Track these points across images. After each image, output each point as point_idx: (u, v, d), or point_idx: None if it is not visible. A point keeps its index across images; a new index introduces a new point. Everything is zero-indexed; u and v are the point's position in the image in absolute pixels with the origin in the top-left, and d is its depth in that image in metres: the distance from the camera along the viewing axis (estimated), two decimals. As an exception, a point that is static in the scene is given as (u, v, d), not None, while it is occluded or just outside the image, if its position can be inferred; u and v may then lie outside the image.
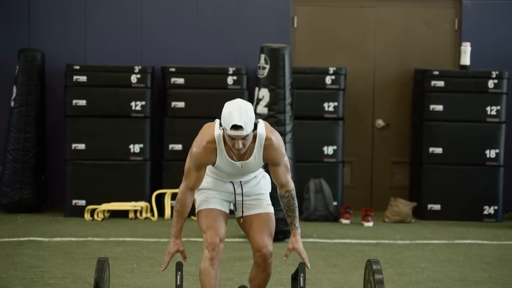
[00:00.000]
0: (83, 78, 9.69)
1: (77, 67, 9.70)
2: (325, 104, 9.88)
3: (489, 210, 9.85)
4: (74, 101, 9.68)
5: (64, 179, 9.76)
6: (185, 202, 4.90)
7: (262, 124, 4.82)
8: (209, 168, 4.97)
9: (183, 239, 5.04)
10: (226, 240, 6.77)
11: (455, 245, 8.41)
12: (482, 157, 9.85)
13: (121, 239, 8.35)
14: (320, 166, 9.89)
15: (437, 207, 9.88)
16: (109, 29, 10.19)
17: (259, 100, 8.41)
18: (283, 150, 4.85)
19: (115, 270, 6.79)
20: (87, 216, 9.48)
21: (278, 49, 8.38)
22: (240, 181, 4.98)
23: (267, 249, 4.92)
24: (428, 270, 7.14)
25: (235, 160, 4.82)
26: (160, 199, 9.78)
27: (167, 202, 9.67)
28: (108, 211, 9.62)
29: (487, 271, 7.14)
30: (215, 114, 9.98)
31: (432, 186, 9.87)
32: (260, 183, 5.04)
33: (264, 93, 8.38)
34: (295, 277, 5.00)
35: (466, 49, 9.98)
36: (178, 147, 9.78)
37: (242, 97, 9.76)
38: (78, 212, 9.59)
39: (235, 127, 4.60)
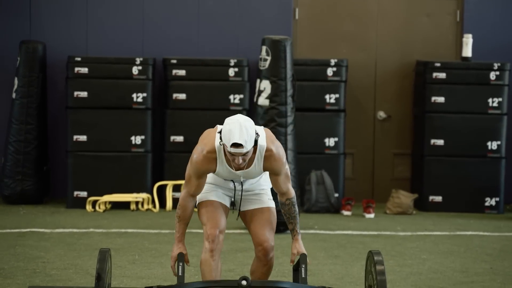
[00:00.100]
0: (84, 70, 9.69)
1: (79, 59, 9.69)
2: (327, 96, 9.88)
3: (490, 201, 9.85)
4: (76, 93, 9.68)
5: (65, 171, 9.77)
6: (186, 208, 4.92)
7: (263, 134, 4.80)
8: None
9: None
10: (227, 231, 6.79)
11: (457, 236, 8.41)
12: (483, 149, 9.85)
13: (123, 230, 8.37)
14: (321, 157, 9.89)
15: (438, 198, 9.88)
16: (111, 21, 10.19)
17: (260, 91, 8.41)
18: (284, 160, 4.84)
19: (117, 261, 6.80)
20: (88, 207, 9.50)
21: (280, 41, 8.37)
22: (241, 180, 4.98)
23: (268, 244, 4.93)
24: (429, 261, 7.14)
25: (235, 170, 4.82)
26: (161, 190, 9.79)
27: (169, 193, 9.68)
28: (110, 202, 9.64)
29: (488, 262, 7.15)
30: (216, 105, 10.04)
31: (434, 178, 9.88)
32: (261, 180, 5.04)
33: (265, 85, 8.37)
34: (296, 268, 5.01)
35: (468, 40, 9.97)
36: (180, 138, 9.79)
37: (243, 89, 9.76)
38: (80, 203, 9.61)
39: (235, 145, 4.60)
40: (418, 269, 6.83)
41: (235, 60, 9.80)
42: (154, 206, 9.69)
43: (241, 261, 6.96)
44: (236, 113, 9.73)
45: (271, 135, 4.86)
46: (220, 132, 4.69)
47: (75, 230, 8.28)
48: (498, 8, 10.34)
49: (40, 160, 9.84)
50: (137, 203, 9.64)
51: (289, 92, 8.38)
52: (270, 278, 5.17)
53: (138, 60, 9.70)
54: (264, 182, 5.06)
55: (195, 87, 9.80)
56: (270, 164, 4.81)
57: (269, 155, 4.78)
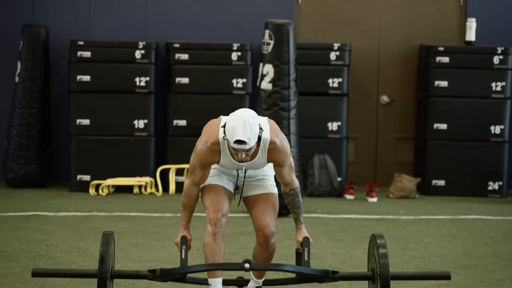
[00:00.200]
0: (87, 54, 9.69)
1: (81, 43, 9.68)
2: (330, 80, 9.87)
3: (493, 185, 9.85)
4: (79, 77, 9.68)
5: (68, 154, 9.78)
6: (190, 197, 4.93)
7: (266, 126, 4.80)
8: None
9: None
10: (230, 215, 6.79)
11: (459, 220, 8.42)
12: (486, 133, 9.84)
13: (126, 214, 8.38)
14: (324, 142, 9.89)
15: (441, 182, 9.88)
16: (114, 4, 10.17)
17: (263, 76, 8.40)
18: (288, 151, 4.83)
19: (120, 244, 6.82)
20: (92, 191, 9.51)
21: (283, 25, 8.36)
22: (244, 168, 4.99)
23: (268, 229, 4.93)
24: (432, 245, 7.15)
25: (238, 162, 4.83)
26: (164, 174, 9.80)
27: (172, 177, 9.69)
28: (113, 186, 9.65)
29: (491, 246, 7.16)
30: (219, 89, 10.03)
31: (437, 162, 9.88)
32: (264, 167, 5.04)
33: (268, 69, 8.36)
34: (299, 252, 5.01)
35: (472, 25, 9.95)
36: (182, 122, 9.79)
37: (246, 73, 9.75)
38: (83, 187, 9.62)
39: (239, 142, 4.60)
40: (421, 252, 6.84)
41: (238, 44, 9.79)
42: (157, 190, 9.70)
43: (243, 245, 6.98)
44: (239, 97, 9.78)
45: (276, 127, 4.85)
46: (224, 127, 4.69)
47: (78, 214, 8.30)
48: (502, -8, 10.32)
49: (43, 144, 9.85)
50: (140, 186, 9.66)
51: (292, 76, 8.37)
52: (273, 262, 5.18)
53: (141, 44, 9.69)
54: (267, 168, 5.06)
55: (198, 71, 9.79)
56: (274, 156, 4.82)
57: (273, 148, 4.79)
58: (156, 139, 9.83)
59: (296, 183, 4.94)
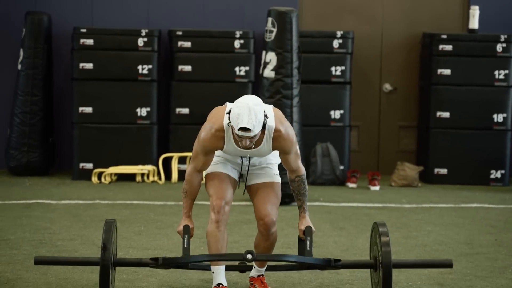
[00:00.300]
0: (90, 41, 9.67)
1: (84, 30, 9.67)
2: (332, 68, 9.86)
3: (496, 174, 9.85)
4: (81, 64, 9.68)
5: (71, 142, 9.78)
6: (192, 183, 4.92)
7: (271, 114, 4.78)
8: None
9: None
10: (233, 203, 6.80)
11: (462, 208, 8.42)
12: (489, 121, 9.83)
13: (129, 202, 8.39)
14: (327, 130, 9.89)
15: (444, 171, 9.88)
16: (116, -8, 10.16)
17: (266, 63, 8.39)
18: (294, 139, 4.82)
19: (123, 232, 6.83)
20: (94, 179, 9.52)
21: (286, 13, 8.34)
22: (248, 156, 4.98)
23: (269, 218, 4.93)
24: (434, 233, 7.16)
25: (242, 149, 4.82)
26: (167, 162, 9.81)
27: (174, 165, 9.69)
28: (115, 174, 9.66)
29: (493, 234, 7.16)
30: (222, 77, 10.03)
31: (439, 150, 9.88)
32: (269, 155, 5.04)
33: (271, 57, 8.35)
34: (302, 240, 5.02)
35: (475, 12, 9.92)
36: (185, 110, 9.78)
37: (249, 61, 9.74)
38: (86, 175, 9.63)
39: (243, 129, 4.59)
40: (423, 241, 6.84)
41: (241, 32, 9.77)
42: (160, 178, 9.71)
43: (246, 233, 6.99)
44: (242, 85, 9.77)
45: (281, 115, 4.85)
46: (229, 113, 4.68)
47: (80, 202, 8.31)
48: (505, -21, 10.29)
49: (45, 131, 9.86)
50: (142, 175, 9.66)
51: (295, 64, 8.36)
52: (275, 250, 5.19)
53: (143, 32, 9.68)
54: (272, 157, 5.06)
55: (201, 59, 9.78)
56: (279, 144, 4.81)
57: (277, 136, 4.78)
58: (158, 127, 9.83)
59: (303, 170, 4.94)
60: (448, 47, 9.81)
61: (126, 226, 7.15)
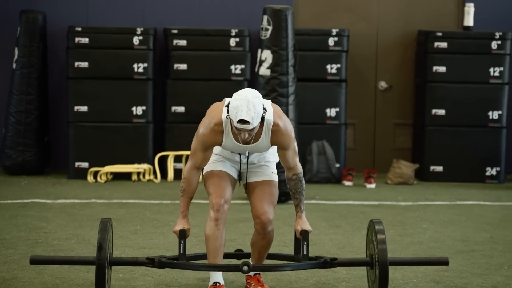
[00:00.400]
0: (85, 40, 9.66)
1: (79, 29, 9.66)
2: (328, 66, 9.86)
3: (491, 171, 9.86)
4: (76, 63, 9.66)
5: (66, 141, 9.77)
6: (191, 181, 4.88)
7: (270, 108, 4.77)
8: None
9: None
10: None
11: (457, 206, 8.43)
12: (484, 119, 9.84)
13: (124, 201, 8.38)
14: (322, 128, 9.89)
15: (439, 168, 9.89)
16: (111, -10, 10.15)
17: (261, 61, 8.38)
18: (292, 135, 4.81)
19: (119, 231, 6.82)
20: (90, 178, 9.51)
21: (281, 10, 8.33)
22: (247, 152, 4.97)
23: (265, 217, 4.91)
24: (430, 230, 7.16)
25: (241, 144, 4.80)
26: (163, 161, 9.80)
27: (170, 164, 9.69)
28: (111, 173, 9.65)
29: (489, 231, 7.17)
30: (218, 76, 10.02)
31: (435, 148, 9.88)
32: (267, 153, 5.03)
33: (266, 55, 8.35)
34: (298, 240, 5.01)
35: (470, 10, 9.93)
36: (181, 109, 9.77)
37: (245, 59, 9.73)
38: (81, 174, 9.62)
39: (242, 121, 4.58)
40: (419, 238, 6.85)
41: (236, 30, 9.77)
42: (156, 177, 9.70)
43: (242, 231, 6.98)
44: (238, 83, 9.76)
45: (279, 110, 4.84)
46: (227, 106, 4.67)
47: (76, 201, 8.30)
48: (500, -23, 10.30)
49: (41, 130, 9.84)
50: (138, 173, 9.66)
51: (291, 62, 8.36)
52: (271, 249, 5.18)
53: (139, 30, 9.67)
54: (270, 155, 5.04)
55: (196, 57, 9.77)
56: (277, 139, 4.80)
57: (276, 130, 4.77)
58: (154, 126, 9.82)
59: (300, 168, 4.93)
60: (443, 45, 9.82)
61: (122, 225, 7.15)
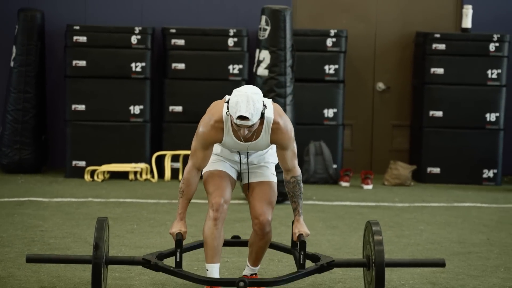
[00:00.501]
0: (83, 39, 9.66)
1: (77, 28, 9.65)
2: (326, 67, 9.86)
3: (488, 173, 9.87)
4: (74, 62, 9.66)
5: (64, 140, 9.77)
6: (190, 182, 4.85)
7: (270, 106, 4.77)
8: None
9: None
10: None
11: (454, 208, 8.43)
12: (482, 121, 9.85)
13: (121, 200, 8.38)
14: (320, 128, 9.89)
15: (436, 170, 9.89)
16: (109, -11, 10.14)
17: (259, 62, 8.38)
18: (292, 135, 4.80)
19: (115, 230, 6.82)
20: (87, 177, 9.50)
21: (279, 11, 8.33)
22: (247, 152, 4.97)
23: (264, 217, 4.90)
24: (426, 232, 7.16)
25: (241, 141, 4.80)
26: (160, 160, 9.80)
27: (167, 163, 9.68)
28: (108, 172, 9.64)
29: (485, 233, 7.17)
30: (215, 75, 10.01)
31: (432, 149, 9.89)
32: (266, 154, 5.02)
33: (264, 55, 8.35)
34: (295, 244, 5.00)
35: (468, 12, 9.94)
36: (178, 108, 9.77)
37: (243, 59, 9.73)
38: (78, 173, 9.61)
39: (241, 117, 4.57)
40: (416, 239, 6.85)
41: (235, 30, 9.76)
42: (153, 176, 9.69)
43: (239, 231, 6.97)
44: (236, 83, 9.74)
45: (279, 109, 4.83)
46: (228, 102, 4.67)
47: (73, 200, 8.29)
48: (498, -21, 10.31)
49: (38, 129, 9.84)
50: (135, 173, 9.65)
51: (289, 62, 8.36)
52: (268, 252, 5.17)
53: (137, 29, 9.66)
54: (270, 156, 5.04)
55: (194, 56, 9.77)
56: (277, 137, 4.79)
57: (276, 128, 4.76)
58: (151, 125, 9.82)
59: (298, 171, 4.91)
60: (441, 46, 9.82)
61: (118, 224, 7.14)
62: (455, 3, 10.41)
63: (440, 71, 9.83)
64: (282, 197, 8.03)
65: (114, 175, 9.64)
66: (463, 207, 8.46)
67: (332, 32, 9.84)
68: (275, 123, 4.75)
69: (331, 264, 4.85)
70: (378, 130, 10.51)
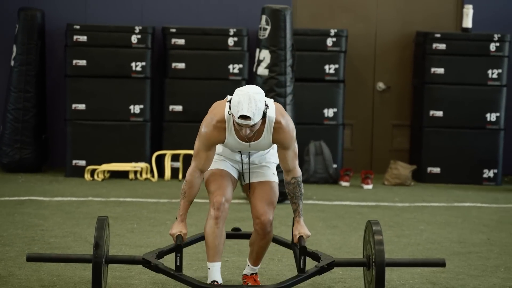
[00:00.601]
0: (83, 38, 9.66)
1: (77, 27, 9.65)
2: (326, 66, 9.86)
3: (488, 173, 9.87)
4: (74, 61, 9.66)
5: (64, 139, 9.77)
6: (192, 184, 4.84)
7: (272, 106, 4.77)
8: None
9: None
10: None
11: (454, 207, 8.43)
12: (482, 121, 9.85)
13: (121, 199, 8.38)
14: (320, 128, 9.89)
15: (436, 170, 9.89)
16: (110, -12, 10.15)
17: (259, 61, 8.38)
18: (293, 134, 4.79)
19: (116, 229, 6.82)
20: (87, 176, 9.50)
21: (280, 10, 8.33)
22: (248, 152, 4.97)
23: (265, 217, 4.91)
24: (427, 232, 7.16)
25: (243, 141, 4.80)
26: (160, 160, 9.80)
27: (167, 163, 9.68)
28: (108, 171, 9.64)
29: (485, 233, 7.17)
30: (216, 75, 10.01)
31: (432, 149, 9.89)
32: (268, 154, 5.02)
33: (264, 55, 8.35)
34: (295, 245, 5.00)
35: (468, 11, 9.93)
36: (178, 108, 9.77)
37: (243, 59, 9.73)
38: (78, 172, 9.61)
39: (243, 117, 4.57)
40: (416, 239, 6.85)
41: (235, 29, 9.76)
42: (153, 176, 9.69)
43: (239, 231, 6.97)
44: (236, 83, 9.75)
45: (281, 108, 4.83)
46: (230, 101, 4.67)
47: (73, 199, 8.29)
48: (499, -21, 10.31)
49: (38, 128, 9.84)
50: (135, 172, 9.65)
51: (289, 62, 8.36)
52: (268, 251, 5.17)
53: (137, 29, 9.66)
54: (271, 156, 5.04)
55: (194, 56, 9.77)
56: (279, 136, 4.78)
57: (278, 127, 4.76)
58: (152, 125, 9.82)
59: (299, 172, 4.91)
60: (442, 46, 9.82)
61: (119, 224, 7.14)
62: (456, 3, 10.41)
63: (440, 71, 9.83)
64: (282, 197, 8.03)
65: (114, 174, 9.65)
66: (463, 207, 8.46)
67: (332, 31, 9.84)
68: (277, 122, 4.75)
69: (331, 265, 4.84)
70: (378, 130, 10.51)
